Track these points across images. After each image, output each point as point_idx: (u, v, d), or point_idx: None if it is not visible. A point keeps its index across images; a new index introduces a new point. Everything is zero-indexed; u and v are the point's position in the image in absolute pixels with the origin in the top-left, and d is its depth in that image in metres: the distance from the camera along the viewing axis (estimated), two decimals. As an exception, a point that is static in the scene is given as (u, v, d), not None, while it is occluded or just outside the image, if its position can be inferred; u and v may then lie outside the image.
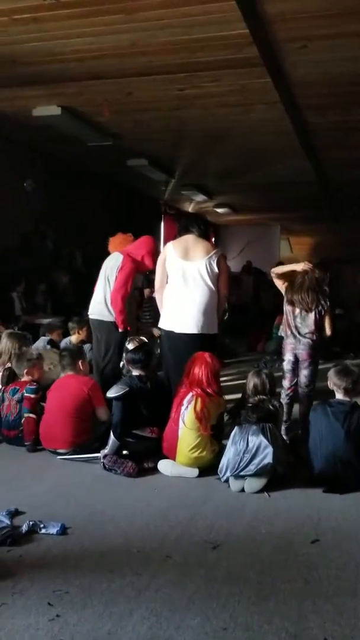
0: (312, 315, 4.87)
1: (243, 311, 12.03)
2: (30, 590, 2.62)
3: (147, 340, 4.74)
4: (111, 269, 5.23)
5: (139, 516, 3.40)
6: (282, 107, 6.14)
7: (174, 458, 4.15)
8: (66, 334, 6.50)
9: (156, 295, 4.99)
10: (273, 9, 4.10)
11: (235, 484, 3.82)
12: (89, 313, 5.41)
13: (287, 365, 4.99)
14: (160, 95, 6.05)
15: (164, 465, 4.16)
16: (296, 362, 4.94)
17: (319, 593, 2.62)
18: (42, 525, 3.16)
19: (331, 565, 2.87)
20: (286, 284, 5.02)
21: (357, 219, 14.48)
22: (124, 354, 4.87)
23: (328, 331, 4.94)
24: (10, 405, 4.74)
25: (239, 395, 4.32)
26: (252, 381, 4.18)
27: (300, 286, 4.90)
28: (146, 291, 8.19)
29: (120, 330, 5.10)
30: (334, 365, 4.33)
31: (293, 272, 5.04)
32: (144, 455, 4.21)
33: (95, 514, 3.43)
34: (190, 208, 13.75)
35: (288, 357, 4.98)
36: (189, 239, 4.72)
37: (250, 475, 3.79)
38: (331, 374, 4.17)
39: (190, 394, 4.19)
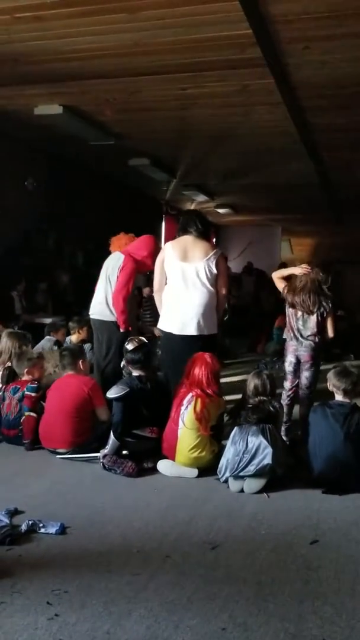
0: (313, 318, 4.87)
1: (243, 312, 12.01)
2: (30, 589, 2.62)
3: (146, 341, 4.73)
4: (112, 268, 5.22)
5: (139, 516, 3.40)
6: (285, 107, 6.13)
7: (173, 458, 4.15)
8: (67, 333, 6.50)
9: (155, 296, 4.99)
10: (276, 9, 4.10)
11: (234, 485, 3.82)
12: (89, 313, 5.39)
13: (288, 366, 4.98)
14: (162, 95, 6.05)
15: (163, 466, 4.15)
16: (298, 363, 4.94)
17: (318, 594, 2.63)
18: (41, 525, 3.16)
19: (330, 566, 2.88)
20: (287, 286, 5.02)
21: (359, 221, 14.47)
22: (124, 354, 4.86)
23: (330, 333, 4.93)
24: (11, 404, 4.72)
25: (239, 396, 4.32)
26: (252, 382, 4.18)
27: (302, 289, 4.89)
28: (145, 290, 8.15)
29: (121, 330, 5.09)
30: (334, 366, 4.33)
31: (293, 274, 5.04)
32: (143, 455, 4.21)
33: (95, 513, 3.42)
34: (191, 208, 13.73)
35: (290, 358, 4.97)
36: (188, 239, 4.69)
37: (249, 476, 3.79)
38: (331, 375, 4.17)
39: (190, 394, 4.19)
